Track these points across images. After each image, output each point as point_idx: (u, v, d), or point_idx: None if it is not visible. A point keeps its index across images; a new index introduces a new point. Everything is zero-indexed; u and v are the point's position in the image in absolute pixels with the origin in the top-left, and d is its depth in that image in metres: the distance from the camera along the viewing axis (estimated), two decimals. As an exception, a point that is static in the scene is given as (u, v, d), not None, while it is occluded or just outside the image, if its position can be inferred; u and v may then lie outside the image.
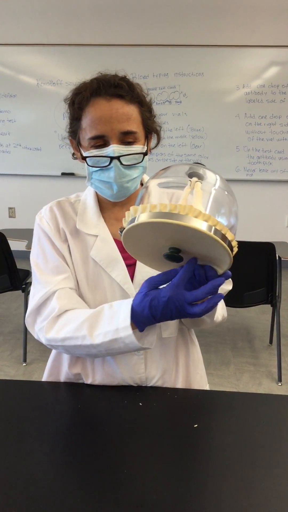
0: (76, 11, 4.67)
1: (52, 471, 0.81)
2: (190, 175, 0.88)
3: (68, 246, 1.09)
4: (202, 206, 0.82)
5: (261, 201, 5.02)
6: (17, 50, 4.80)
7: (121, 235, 0.83)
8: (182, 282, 0.84)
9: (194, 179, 0.87)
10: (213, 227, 0.75)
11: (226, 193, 0.89)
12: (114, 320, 0.94)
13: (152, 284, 0.88)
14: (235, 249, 0.79)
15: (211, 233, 0.74)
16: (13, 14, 4.74)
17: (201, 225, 0.74)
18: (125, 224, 0.81)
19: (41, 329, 1.04)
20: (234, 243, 0.79)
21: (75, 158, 1.12)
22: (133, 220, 0.78)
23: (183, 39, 4.63)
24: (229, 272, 0.84)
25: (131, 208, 0.79)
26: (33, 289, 1.08)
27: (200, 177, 0.87)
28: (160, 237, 0.80)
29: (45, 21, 4.72)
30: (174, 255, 0.81)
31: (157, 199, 1.12)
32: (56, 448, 0.87)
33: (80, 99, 1.00)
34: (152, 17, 4.62)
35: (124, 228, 0.81)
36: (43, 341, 1.04)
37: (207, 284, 0.82)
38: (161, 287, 0.88)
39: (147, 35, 4.65)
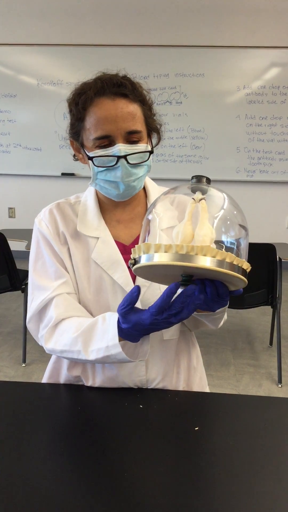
0: (76, 11, 4.67)
1: (52, 473, 0.80)
2: (193, 189, 0.88)
3: (68, 249, 1.08)
4: (209, 223, 0.83)
5: (262, 202, 5.02)
6: (17, 50, 4.79)
7: (131, 267, 0.83)
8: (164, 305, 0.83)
9: (198, 195, 0.87)
10: (232, 264, 0.76)
11: (235, 212, 0.89)
12: (105, 337, 0.95)
13: (126, 304, 0.88)
14: (248, 270, 0.80)
15: (232, 272, 0.75)
16: (13, 14, 4.73)
17: (222, 265, 0.75)
18: (134, 254, 0.82)
19: (42, 337, 1.06)
20: (247, 265, 0.80)
21: (76, 160, 1.10)
22: (149, 258, 0.78)
23: (183, 39, 4.63)
24: (241, 290, 0.84)
25: (143, 245, 0.80)
26: (31, 294, 1.08)
27: (204, 191, 0.87)
28: (174, 270, 0.81)
29: (46, 21, 4.71)
30: (187, 283, 0.82)
31: (160, 206, 1.12)
32: (56, 450, 0.87)
33: (84, 99, 0.99)
34: (152, 17, 4.62)
35: (136, 262, 0.81)
36: (45, 349, 1.06)
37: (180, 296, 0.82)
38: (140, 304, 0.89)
39: (148, 36, 4.64)
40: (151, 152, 1.02)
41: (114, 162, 0.98)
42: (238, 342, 3.30)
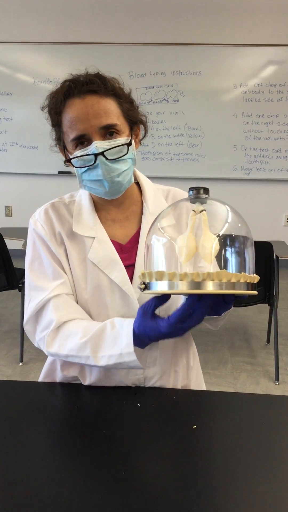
0: (73, 9, 4.65)
1: (50, 472, 0.80)
2: (193, 200, 0.88)
3: (65, 249, 1.08)
4: (212, 234, 0.84)
5: (259, 201, 5.02)
6: (13, 48, 4.77)
7: (141, 290, 0.83)
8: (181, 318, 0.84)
9: (198, 206, 0.87)
10: (246, 283, 0.78)
11: (239, 225, 0.89)
12: (117, 344, 0.94)
13: (148, 310, 0.88)
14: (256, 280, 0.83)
15: (246, 292, 0.78)
16: (10, 12, 4.71)
17: (237, 287, 0.77)
18: (144, 279, 0.82)
19: (42, 340, 1.04)
20: (257, 278, 0.83)
21: (68, 166, 1.10)
22: (163, 285, 0.79)
23: (180, 37, 4.61)
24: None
25: (155, 272, 0.80)
26: (28, 296, 1.07)
27: (203, 201, 0.87)
28: None
29: (42, 19, 4.69)
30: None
31: (153, 198, 1.12)
32: (54, 449, 0.87)
33: (55, 104, 0.99)
34: (149, 15, 4.60)
35: (147, 287, 0.82)
36: (45, 352, 1.05)
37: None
38: (157, 311, 0.89)
39: (145, 34, 4.63)
40: (129, 144, 1.00)
41: (93, 161, 0.97)
42: (235, 340, 3.31)
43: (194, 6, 4.55)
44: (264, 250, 2.64)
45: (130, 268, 1.07)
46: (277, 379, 2.73)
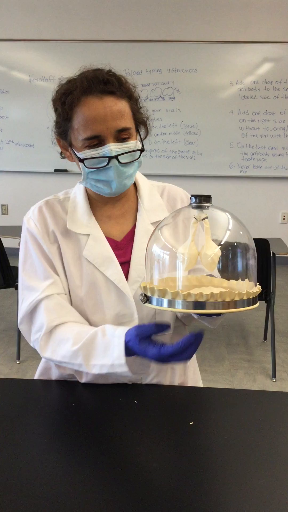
0: (69, 6, 4.63)
1: (47, 469, 0.80)
2: (196, 207, 0.87)
3: (59, 247, 1.07)
4: (214, 243, 0.85)
5: (255, 198, 5.02)
6: (9, 46, 4.76)
7: (143, 302, 0.84)
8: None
9: (200, 214, 0.87)
10: (249, 299, 0.79)
11: (241, 232, 0.89)
12: (109, 354, 0.95)
13: (143, 334, 0.89)
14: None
15: (250, 307, 0.80)
16: (5, 9, 4.69)
17: (241, 305, 0.78)
18: (146, 291, 0.83)
19: (36, 342, 1.05)
20: (260, 289, 0.85)
21: (64, 157, 1.09)
22: (163, 303, 0.80)
23: (176, 35, 4.61)
24: None
25: (158, 290, 0.80)
26: (21, 295, 1.08)
27: (203, 208, 0.87)
28: None
29: (38, 16, 4.68)
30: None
31: (148, 194, 1.12)
32: (51, 446, 0.86)
33: (71, 100, 0.97)
34: (145, 13, 4.59)
35: (148, 299, 0.83)
36: (41, 356, 1.06)
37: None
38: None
39: (140, 31, 4.62)
40: (142, 150, 1.01)
41: (106, 163, 0.97)
42: (232, 337, 3.31)
43: (190, 3, 4.54)
44: (260, 248, 2.64)
45: (125, 265, 1.07)
46: (274, 376, 2.74)
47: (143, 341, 0.88)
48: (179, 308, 0.78)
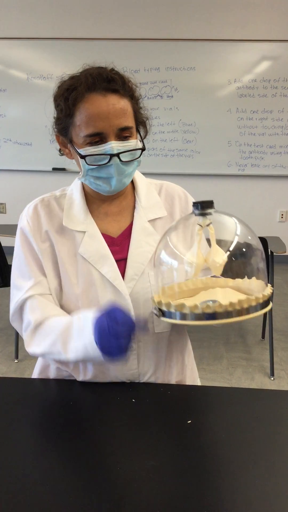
0: (67, 4, 4.62)
1: (44, 468, 0.80)
2: (199, 214, 0.88)
3: (51, 245, 1.07)
4: (219, 248, 0.87)
5: (253, 196, 5.02)
6: (7, 44, 4.74)
7: (158, 316, 0.86)
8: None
9: (205, 220, 0.87)
10: (261, 303, 0.81)
11: (249, 237, 0.90)
12: (82, 335, 0.94)
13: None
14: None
15: (263, 311, 0.81)
16: (3, 7, 4.68)
17: (255, 309, 0.80)
18: (161, 306, 0.84)
19: (25, 339, 1.07)
20: (272, 290, 0.87)
21: (62, 154, 1.09)
22: (182, 316, 0.81)
23: (174, 33, 4.60)
24: None
25: (175, 305, 0.81)
26: (11, 293, 1.10)
27: (207, 213, 0.88)
28: None
29: (36, 15, 4.66)
30: None
31: (145, 192, 1.12)
32: (48, 445, 0.86)
33: (75, 96, 0.96)
34: (143, 11, 4.58)
35: (163, 313, 0.85)
36: (29, 353, 1.07)
37: None
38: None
39: (139, 29, 4.61)
40: (143, 149, 1.01)
41: (107, 160, 0.97)
42: (230, 335, 3.31)
43: (188, 2, 4.54)
44: (258, 246, 2.64)
45: (121, 262, 1.07)
46: (272, 374, 2.74)
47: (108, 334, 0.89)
48: (208, 322, 0.79)
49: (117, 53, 4.60)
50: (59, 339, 0.99)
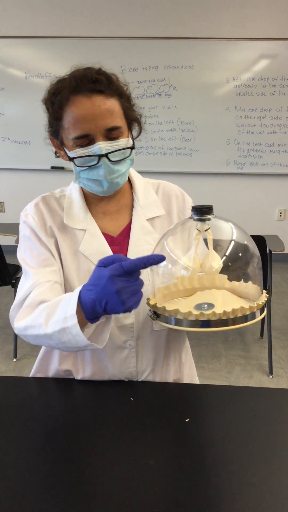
0: (65, 3, 4.61)
1: (42, 467, 0.80)
2: (198, 220, 0.88)
3: (56, 241, 1.07)
4: (215, 254, 0.88)
5: (252, 195, 5.02)
6: (5, 43, 4.73)
7: (153, 318, 0.88)
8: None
9: (203, 225, 0.87)
10: (255, 311, 0.83)
11: (245, 242, 0.90)
12: (66, 308, 0.88)
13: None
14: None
15: (259, 318, 0.84)
16: (1, 6, 4.66)
17: (252, 317, 0.83)
18: (156, 309, 0.86)
19: (13, 317, 1.01)
20: (267, 297, 0.88)
21: (58, 157, 1.09)
22: (176, 322, 0.83)
23: (173, 31, 4.59)
24: None
25: (169, 310, 0.82)
26: (21, 283, 1.06)
27: (206, 219, 0.88)
28: None
29: (34, 13, 4.65)
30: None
31: (143, 191, 1.12)
32: (46, 444, 0.86)
33: (60, 99, 0.97)
34: (141, 9, 4.58)
35: (158, 316, 0.87)
36: (14, 329, 1.00)
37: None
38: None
39: (137, 28, 4.60)
40: (132, 147, 1.01)
41: (96, 161, 0.97)
42: (229, 334, 3.32)
43: (187, 0, 4.53)
44: (257, 244, 2.64)
45: None
46: (270, 372, 2.75)
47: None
48: (202, 329, 0.81)
49: (115, 51, 4.59)
50: (44, 312, 0.93)
